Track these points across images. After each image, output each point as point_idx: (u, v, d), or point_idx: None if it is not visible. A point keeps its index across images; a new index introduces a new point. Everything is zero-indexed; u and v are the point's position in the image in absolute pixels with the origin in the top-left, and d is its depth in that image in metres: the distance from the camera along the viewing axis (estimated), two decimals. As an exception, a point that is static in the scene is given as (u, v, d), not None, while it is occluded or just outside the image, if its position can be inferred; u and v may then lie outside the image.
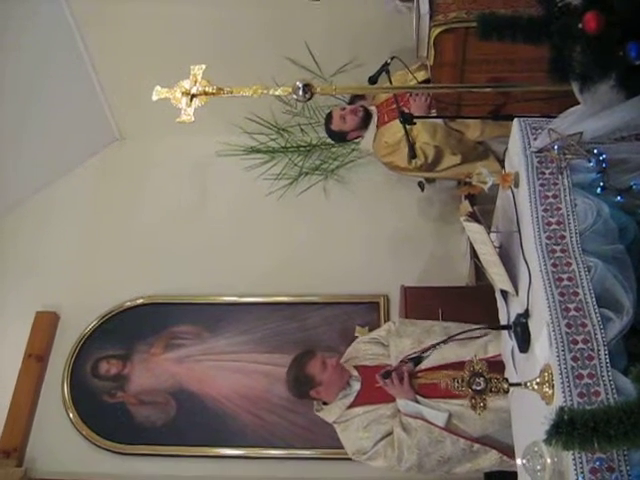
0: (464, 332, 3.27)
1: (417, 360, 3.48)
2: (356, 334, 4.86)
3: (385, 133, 4.50)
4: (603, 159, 2.69)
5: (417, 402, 3.39)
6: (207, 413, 4.82)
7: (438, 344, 3.23)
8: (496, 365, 3.13)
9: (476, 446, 3.32)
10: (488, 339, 3.44)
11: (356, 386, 3.55)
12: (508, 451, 3.26)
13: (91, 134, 6.02)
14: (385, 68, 3.98)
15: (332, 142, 5.39)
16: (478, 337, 3.47)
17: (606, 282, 2.49)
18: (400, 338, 3.63)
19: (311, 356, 3.56)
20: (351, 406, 3.51)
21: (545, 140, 2.78)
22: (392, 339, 3.66)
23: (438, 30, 3.60)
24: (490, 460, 3.34)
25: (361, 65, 4.89)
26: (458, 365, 3.35)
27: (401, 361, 3.49)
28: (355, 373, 3.59)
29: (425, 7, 3.76)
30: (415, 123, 3.86)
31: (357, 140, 4.83)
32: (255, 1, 5.12)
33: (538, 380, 2.42)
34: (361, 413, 3.47)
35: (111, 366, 5.05)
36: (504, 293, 3.07)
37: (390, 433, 3.40)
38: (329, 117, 4.68)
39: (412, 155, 4.06)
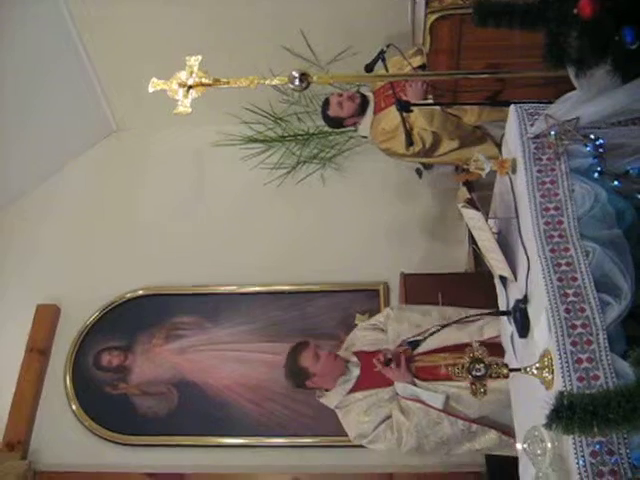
0: (462, 319, 3.31)
1: (415, 344, 3.52)
2: (356, 322, 4.88)
3: (382, 119, 4.50)
4: (600, 144, 2.71)
5: (415, 385, 3.44)
6: (209, 403, 4.84)
7: (434, 332, 3.27)
8: (493, 347, 3.16)
9: (474, 427, 3.37)
10: (484, 322, 3.47)
11: (356, 372, 3.59)
12: (507, 430, 3.29)
13: (88, 126, 6.00)
14: (381, 56, 3.98)
15: (329, 130, 5.39)
16: (474, 320, 3.50)
17: (604, 267, 2.50)
18: (398, 323, 3.68)
19: (303, 347, 3.59)
20: (351, 391, 3.55)
21: (542, 126, 2.79)
22: (390, 324, 3.71)
23: (434, 17, 3.59)
24: (489, 440, 3.39)
25: (357, 53, 4.88)
26: (455, 348, 3.40)
27: (399, 345, 3.53)
28: (354, 359, 3.64)
29: (421, -6, 3.76)
30: (412, 110, 3.86)
31: (354, 127, 4.82)
32: (251, -9, 5.12)
33: (538, 365, 2.44)
34: (361, 398, 3.52)
35: (113, 357, 5.07)
36: (503, 279, 3.09)
37: (389, 416, 3.45)
38: (326, 103, 4.66)
39: (409, 142, 4.06)
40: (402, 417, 3.39)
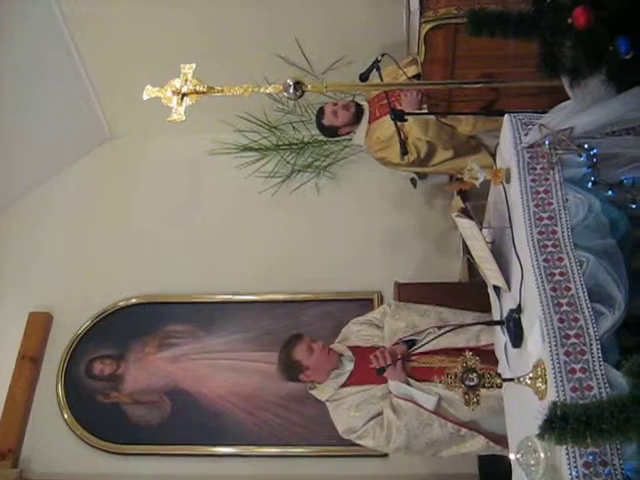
0: (458, 326, 3.32)
1: (411, 343, 3.53)
2: (350, 331, 4.88)
3: (377, 129, 4.50)
4: (594, 154, 2.71)
5: (409, 384, 3.43)
6: (202, 412, 4.81)
7: (434, 338, 3.27)
8: (489, 354, 3.17)
9: (463, 431, 3.37)
10: (481, 327, 3.47)
11: (349, 366, 3.60)
12: (495, 438, 3.30)
13: (82, 133, 5.99)
14: (376, 65, 3.98)
15: (324, 139, 5.39)
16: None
17: (598, 276, 2.50)
18: (395, 321, 3.69)
19: (297, 341, 3.62)
20: (343, 385, 3.56)
21: (536, 135, 2.79)
22: (387, 321, 3.72)
23: (428, 26, 3.59)
24: (477, 445, 3.40)
25: (352, 62, 4.88)
26: (451, 351, 3.40)
27: (395, 343, 3.53)
28: (349, 353, 3.64)
29: (415, 3, 3.76)
30: (406, 120, 3.86)
31: (349, 136, 4.82)
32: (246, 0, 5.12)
33: (531, 375, 2.43)
34: (353, 393, 3.53)
35: (105, 366, 5.05)
36: (497, 289, 3.08)
37: (380, 413, 3.45)
38: (321, 112, 4.66)
39: (404, 152, 4.06)
40: (393, 415, 3.40)
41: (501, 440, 3.23)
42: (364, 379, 3.53)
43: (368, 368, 3.46)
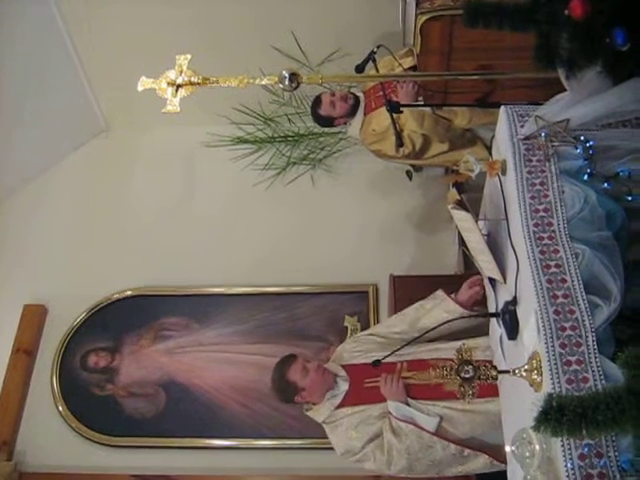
0: (454, 319, 3.30)
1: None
2: (345, 323, 4.88)
3: (372, 121, 4.49)
4: (590, 146, 2.70)
5: (408, 405, 3.36)
6: (197, 404, 4.81)
7: (433, 328, 3.25)
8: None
9: (467, 451, 3.29)
10: (474, 343, 3.40)
11: (344, 386, 3.50)
12: (497, 455, 3.24)
13: (78, 126, 5.97)
14: (372, 56, 3.97)
15: (320, 131, 5.39)
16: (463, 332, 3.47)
17: (594, 269, 2.49)
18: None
19: (291, 362, 3.52)
20: (339, 406, 3.47)
21: (532, 127, 2.78)
22: (393, 320, 3.69)
23: (424, 18, 3.59)
24: (480, 464, 3.31)
25: (348, 54, 4.87)
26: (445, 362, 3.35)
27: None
28: (343, 373, 3.55)
29: (411, -6, 3.75)
30: (402, 111, 3.85)
31: (343, 127, 4.81)
32: (241, -9, 5.10)
33: (526, 367, 2.42)
34: (350, 413, 3.44)
35: (100, 358, 5.04)
36: (492, 281, 3.08)
37: (378, 434, 3.37)
38: (317, 101, 4.61)
39: (399, 144, 4.05)
40: (393, 438, 3.31)
41: (505, 457, 3.20)
42: (360, 399, 3.45)
43: (363, 388, 3.43)
